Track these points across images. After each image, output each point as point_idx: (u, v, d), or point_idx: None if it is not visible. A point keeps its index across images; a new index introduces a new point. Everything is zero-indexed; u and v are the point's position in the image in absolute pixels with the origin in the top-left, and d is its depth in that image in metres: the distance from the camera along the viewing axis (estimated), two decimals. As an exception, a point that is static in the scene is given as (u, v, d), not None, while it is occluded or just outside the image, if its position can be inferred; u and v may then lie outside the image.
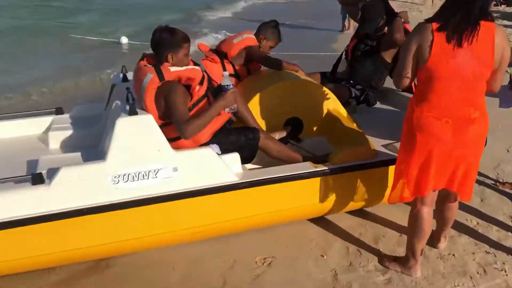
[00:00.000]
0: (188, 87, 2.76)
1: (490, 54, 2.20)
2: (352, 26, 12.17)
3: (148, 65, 2.75)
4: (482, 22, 2.19)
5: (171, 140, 2.66)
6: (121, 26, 13.26)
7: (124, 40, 11.03)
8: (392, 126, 3.62)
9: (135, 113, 2.56)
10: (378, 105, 4.09)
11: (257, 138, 2.89)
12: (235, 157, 2.78)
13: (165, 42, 2.67)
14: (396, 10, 3.94)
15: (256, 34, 3.71)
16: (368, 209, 3.34)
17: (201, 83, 2.78)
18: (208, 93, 2.86)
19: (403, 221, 3.04)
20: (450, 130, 2.30)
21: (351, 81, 4.07)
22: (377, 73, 4.05)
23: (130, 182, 2.52)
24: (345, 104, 3.65)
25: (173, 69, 2.69)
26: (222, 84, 2.74)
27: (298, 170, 2.80)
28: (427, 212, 2.55)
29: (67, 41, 11.23)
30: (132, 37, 11.29)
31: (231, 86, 2.73)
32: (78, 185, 2.44)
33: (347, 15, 11.98)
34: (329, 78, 4.17)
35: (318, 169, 2.81)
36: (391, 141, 3.22)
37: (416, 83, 2.48)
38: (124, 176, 2.50)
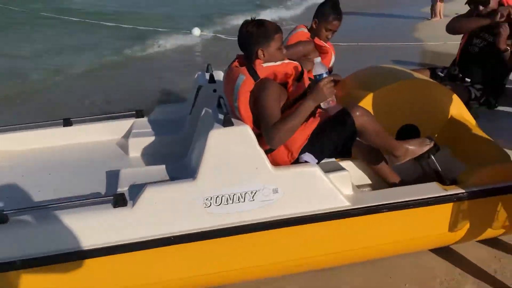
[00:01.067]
0: (286, 85, 2.33)
1: None
2: (441, 13, 11.20)
3: (240, 67, 2.35)
4: None
5: (266, 152, 2.23)
6: (187, 16, 12.63)
7: (197, 31, 10.24)
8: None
9: (231, 124, 2.14)
10: (501, 107, 3.44)
11: (352, 122, 2.28)
12: (344, 176, 2.30)
13: (253, 36, 2.28)
14: None
15: (312, 22, 3.10)
16: (502, 238, 2.73)
17: (298, 79, 2.34)
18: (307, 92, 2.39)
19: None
20: None
21: (469, 80, 3.44)
22: (500, 71, 3.39)
23: (224, 205, 2.12)
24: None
25: (266, 65, 2.28)
26: (314, 73, 2.25)
27: (425, 193, 2.27)
28: None
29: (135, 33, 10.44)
30: (205, 28, 10.70)
31: (325, 75, 2.21)
32: (164, 208, 2.08)
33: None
34: (442, 77, 3.56)
35: (450, 193, 2.27)
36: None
37: None
38: (217, 199, 2.11)
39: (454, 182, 2.36)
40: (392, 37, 9.27)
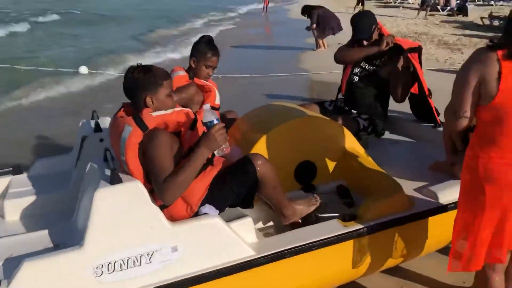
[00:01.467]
0: (179, 135, 2.19)
1: None
2: (325, 43, 11.89)
3: (126, 116, 2.18)
4: None
5: (161, 207, 2.07)
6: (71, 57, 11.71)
7: (84, 69, 9.70)
8: (412, 161, 3.20)
9: (119, 181, 1.96)
10: (387, 135, 3.64)
11: (254, 171, 2.19)
12: (247, 223, 2.21)
13: (140, 82, 2.13)
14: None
15: (190, 61, 3.07)
16: (402, 265, 2.82)
17: (192, 127, 2.21)
18: None
19: (443, 276, 2.65)
20: None
21: (355, 111, 3.59)
22: (382, 100, 3.61)
23: (118, 272, 1.91)
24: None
25: (156, 113, 2.12)
26: (204, 121, 2.11)
27: (327, 232, 2.25)
28: (499, 281, 2.05)
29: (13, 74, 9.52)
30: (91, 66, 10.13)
31: (215, 122, 2.09)
32: (47, 285, 1.81)
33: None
34: (331, 110, 3.68)
35: (350, 230, 2.28)
36: (421, 183, 2.74)
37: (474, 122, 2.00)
38: (109, 265, 1.89)
39: (353, 217, 2.39)
40: (280, 68, 9.63)
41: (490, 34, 15.15)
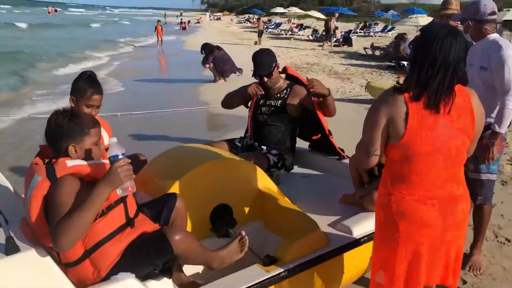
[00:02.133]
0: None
1: (470, 122, 1.91)
2: (224, 77, 12.09)
3: (41, 164, 1.98)
4: (456, 87, 1.89)
5: (69, 265, 1.86)
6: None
7: None
8: (323, 194, 3.26)
9: (15, 250, 1.72)
10: (296, 169, 3.71)
11: (170, 249, 1.99)
12: (166, 282, 2.06)
13: (64, 130, 1.94)
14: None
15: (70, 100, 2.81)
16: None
17: None
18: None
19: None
20: (438, 214, 1.93)
21: (264, 146, 3.62)
22: (290, 134, 3.69)
23: None
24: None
25: (71, 163, 1.91)
26: (109, 155, 1.92)
27: (248, 280, 2.18)
28: None
29: None
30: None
31: (121, 156, 1.89)
32: None
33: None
34: (240, 147, 3.67)
35: (271, 274, 2.23)
36: (335, 217, 2.81)
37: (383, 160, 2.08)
38: None
39: (273, 260, 2.35)
40: (181, 102, 9.50)
41: (373, 63, 16.56)
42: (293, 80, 3.79)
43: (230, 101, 3.86)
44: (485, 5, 2.98)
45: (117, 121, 7.60)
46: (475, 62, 3.05)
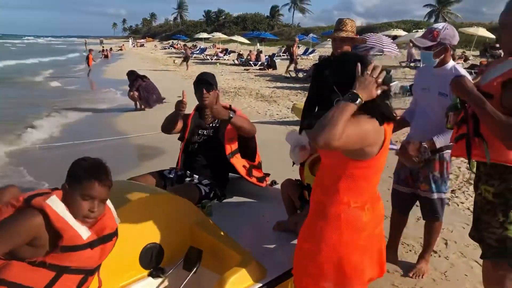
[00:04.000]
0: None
1: None
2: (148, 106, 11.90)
3: None
4: None
5: None
6: None
7: None
8: (256, 223, 3.21)
9: None
10: (228, 197, 3.63)
11: None
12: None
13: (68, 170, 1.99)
14: None
15: None
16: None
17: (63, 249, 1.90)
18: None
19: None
20: (371, 216, 2.05)
21: (196, 176, 3.51)
22: (222, 163, 3.59)
23: None
24: (197, 206, 3.07)
25: (56, 205, 1.86)
26: None
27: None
28: None
29: None
30: None
31: None
32: None
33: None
34: (170, 177, 3.53)
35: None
36: (270, 246, 2.76)
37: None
38: None
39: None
40: (104, 132, 9.10)
41: (297, 85, 17.05)
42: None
43: (167, 123, 3.61)
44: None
45: (36, 153, 7.29)
46: (431, 87, 3.17)
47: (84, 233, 1.92)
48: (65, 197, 1.92)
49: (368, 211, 2.01)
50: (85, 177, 1.92)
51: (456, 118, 2.54)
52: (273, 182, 3.66)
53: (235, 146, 3.56)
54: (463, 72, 3.06)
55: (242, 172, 3.54)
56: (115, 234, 2.12)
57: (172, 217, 2.64)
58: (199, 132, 3.61)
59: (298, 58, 23.41)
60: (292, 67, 21.49)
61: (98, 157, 2.07)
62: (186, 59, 25.84)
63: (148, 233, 2.51)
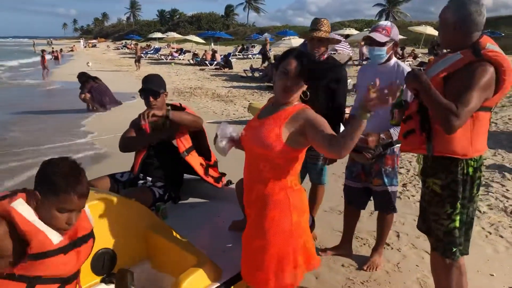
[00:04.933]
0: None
1: None
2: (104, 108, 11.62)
3: None
4: None
5: None
6: None
7: None
8: (211, 223, 3.20)
9: None
10: (183, 199, 3.59)
11: None
12: None
13: (38, 175, 1.80)
14: None
15: None
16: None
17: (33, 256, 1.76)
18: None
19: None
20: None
21: (150, 178, 3.45)
22: (176, 166, 3.54)
23: None
24: (152, 209, 3.03)
25: (22, 209, 1.71)
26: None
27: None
28: None
29: None
30: None
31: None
32: None
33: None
34: (123, 180, 3.45)
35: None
36: (225, 246, 2.74)
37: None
38: None
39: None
40: (64, 136, 8.86)
41: (254, 84, 17.11)
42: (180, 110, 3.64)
43: (131, 146, 3.47)
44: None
45: None
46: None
47: (55, 237, 1.77)
48: (33, 202, 1.77)
49: (302, 193, 2.22)
50: (62, 189, 1.72)
51: (401, 114, 2.63)
52: (229, 182, 3.65)
53: (188, 143, 3.49)
54: (406, 67, 3.19)
55: (199, 171, 3.50)
56: (90, 235, 1.99)
57: (124, 221, 2.58)
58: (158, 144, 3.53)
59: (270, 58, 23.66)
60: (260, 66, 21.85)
61: (70, 156, 1.91)
62: (138, 59, 25.34)
63: (99, 238, 2.44)
